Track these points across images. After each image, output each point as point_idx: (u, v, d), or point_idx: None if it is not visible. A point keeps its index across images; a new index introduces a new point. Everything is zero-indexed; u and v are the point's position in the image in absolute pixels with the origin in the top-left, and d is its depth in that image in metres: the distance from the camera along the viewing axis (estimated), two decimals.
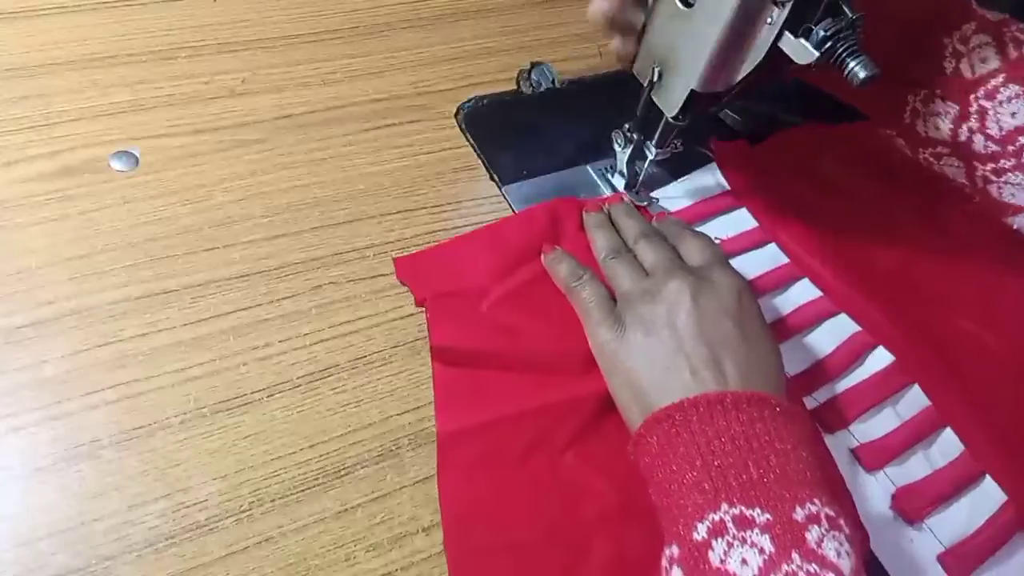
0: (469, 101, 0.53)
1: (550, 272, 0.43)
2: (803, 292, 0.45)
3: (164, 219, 0.43)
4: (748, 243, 0.47)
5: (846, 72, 0.35)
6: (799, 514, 0.29)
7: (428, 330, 0.41)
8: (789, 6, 0.34)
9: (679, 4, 0.38)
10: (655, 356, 0.36)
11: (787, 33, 0.35)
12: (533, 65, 0.55)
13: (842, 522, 0.29)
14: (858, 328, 0.43)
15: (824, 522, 0.29)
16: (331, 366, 0.39)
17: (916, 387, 0.42)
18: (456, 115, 0.53)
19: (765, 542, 0.28)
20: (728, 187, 0.51)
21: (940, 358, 0.43)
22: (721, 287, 0.38)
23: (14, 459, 0.34)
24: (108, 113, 0.48)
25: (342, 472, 0.36)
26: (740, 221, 0.49)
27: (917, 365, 0.42)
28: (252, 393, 0.38)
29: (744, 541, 0.28)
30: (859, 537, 0.30)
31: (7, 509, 0.33)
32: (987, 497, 0.38)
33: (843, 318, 0.44)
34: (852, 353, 0.43)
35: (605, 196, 0.49)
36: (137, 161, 0.46)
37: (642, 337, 0.37)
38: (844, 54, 0.35)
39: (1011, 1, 0.44)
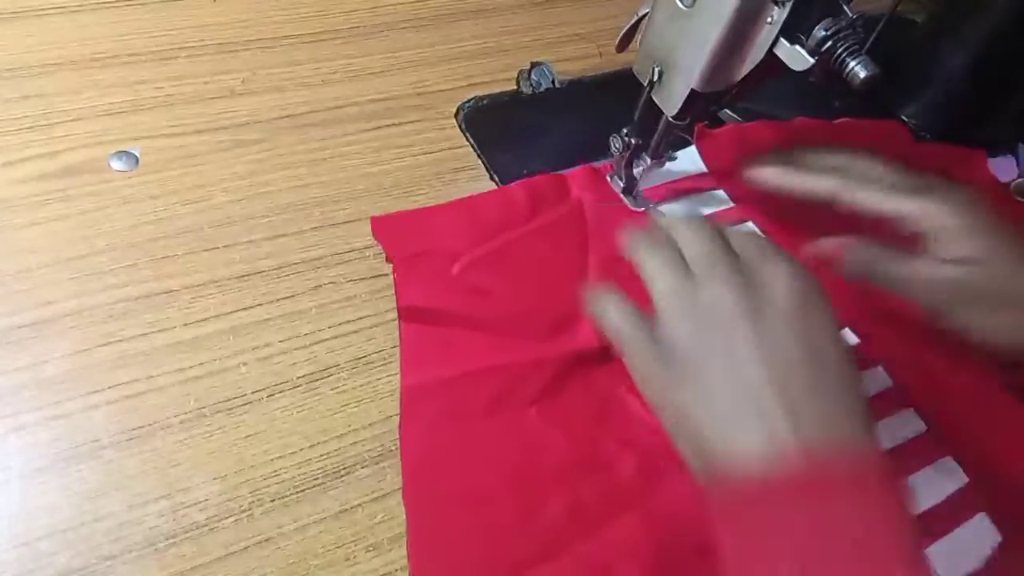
0: (469, 101, 0.53)
1: (594, 315, 0.36)
2: None
3: (164, 219, 0.43)
4: (724, 222, 0.47)
5: (846, 72, 0.35)
6: None
7: (395, 291, 0.41)
8: (789, 5, 0.34)
9: (679, 4, 0.38)
10: (714, 400, 0.30)
11: (782, 39, 0.35)
12: (533, 65, 0.55)
13: None
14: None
15: None
16: (331, 366, 0.39)
17: (880, 368, 0.42)
18: (456, 115, 0.53)
19: None
20: (706, 170, 0.51)
21: (906, 341, 0.43)
22: (778, 292, 0.31)
23: (14, 459, 0.34)
24: (108, 113, 0.48)
25: (342, 472, 0.36)
26: (716, 200, 0.50)
27: (882, 347, 0.43)
28: (252, 393, 0.38)
29: None
30: None
31: (7, 509, 0.33)
32: (947, 475, 0.39)
33: None
34: None
35: (595, 165, 0.49)
36: (137, 161, 0.46)
37: (694, 373, 0.31)
38: (844, 54, 0.35)
39: None
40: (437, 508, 0.35)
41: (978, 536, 0.38)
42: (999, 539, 0.38)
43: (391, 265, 0.43)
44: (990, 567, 0.37)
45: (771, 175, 0.43)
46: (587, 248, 0.45)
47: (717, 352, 0.30)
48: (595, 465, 0.37)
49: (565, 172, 0.49)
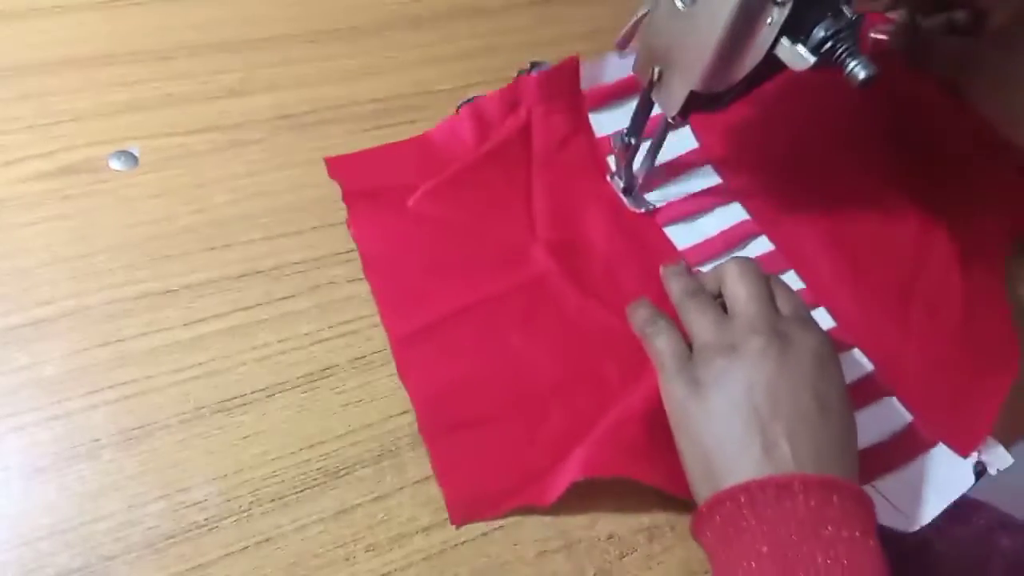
0: (469, 101, 0.53)
1: (629, 317, 0.41)
2: (759, 248, 0.48)
3: (163, 219, 0.43)
4: (711, 201, 0.49)
5: (846, 72, 0.35)
6: None
7: (352, 234, 0.43)
8: (789, 5, 0.34)
9: (679, 4, 0.38)
10: (729, 428, 0.34)
11: (782, 39, 0.35)
12: (533, 65, 0.55)
13: None
14: (802, 286, 0.47)
15: None
16: (331, 366, 0.39)
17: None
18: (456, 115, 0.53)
19: None
20: (697, 145, 0.51)
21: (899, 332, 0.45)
22: (803, 350, 0.35)
23: (14, 459, 0.34)
24: (107, 113, 0.48)
25: (342, 472, 0.36)
26: (705, 178, 0.50)
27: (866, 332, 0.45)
28: (252, 393, 0.38)
29: None
30: None
31: (7, 509, 0.33)
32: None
33: (791, 274, 0.47)
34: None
35: (547, 70, 0.51)
36: (136, 161, 0.46)
37: (718, 402, 0.35)
38: (844, 54, 0.35)
39: None
40: (453, 435, 0.38)
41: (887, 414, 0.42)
42: (909, 418, 0.42)
43: (339, 185, 0.45)
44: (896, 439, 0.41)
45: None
46: (531, 170, 0.48)
47: (738, 385, 0.34)
48: (583, 378, 0.41)
49: (515, 82, 0.51)
